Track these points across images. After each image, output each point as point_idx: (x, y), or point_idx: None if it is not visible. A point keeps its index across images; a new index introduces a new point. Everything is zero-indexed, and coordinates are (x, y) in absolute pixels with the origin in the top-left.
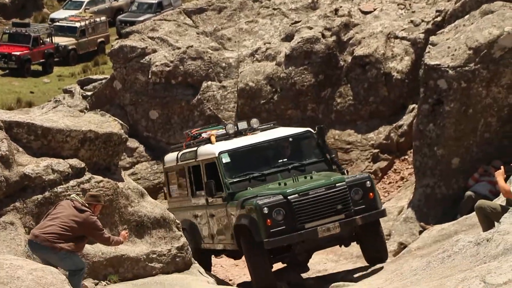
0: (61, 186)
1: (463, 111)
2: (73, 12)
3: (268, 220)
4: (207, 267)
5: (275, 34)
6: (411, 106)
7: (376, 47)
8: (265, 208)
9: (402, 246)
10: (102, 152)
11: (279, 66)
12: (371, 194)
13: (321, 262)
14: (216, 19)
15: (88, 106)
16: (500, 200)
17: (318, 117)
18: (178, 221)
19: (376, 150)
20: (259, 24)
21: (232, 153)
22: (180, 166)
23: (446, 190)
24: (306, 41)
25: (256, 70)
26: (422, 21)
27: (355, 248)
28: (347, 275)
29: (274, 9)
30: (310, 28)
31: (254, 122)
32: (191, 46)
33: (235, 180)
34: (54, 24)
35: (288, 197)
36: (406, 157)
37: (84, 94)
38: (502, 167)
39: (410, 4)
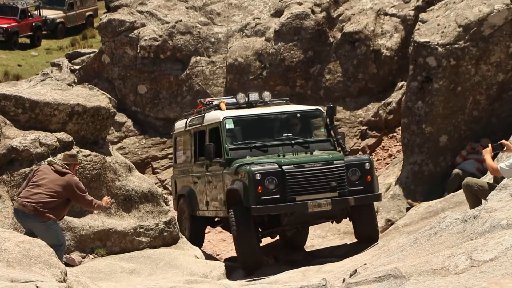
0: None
1: (451, 88)
2: None
3: (259, 187)
4: (199, 239)
5: (264, 10)
6: (400, 84)
7: (365, 24)
8: (258, 174)
9: (389, 222)
10: (90, 126)
11: (268, 42)
12: (368, 176)
13: (309, 238)
14: None
15: (76, 80)
16: (488, 178)
17: (306, 93)
18: (165, 196)
19: (365, 127)
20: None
21: (236, 120)
22: (187, 132)
23: (433, 167)
24: (296, 17)
25: (245, 45)
26: None
27: (342, 224)
28: (334, 251)
29: None
30: (300, 3)
31: (266, 95)
32: (180, 21)
33: (235, 146)
34: None
35: (283, 167)
36: (395, 134)
37: (72, 67)
38: (489, 145)
39: None
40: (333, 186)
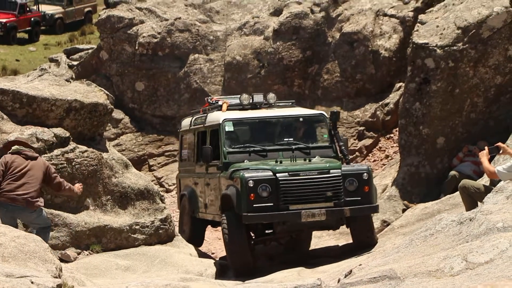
0: (45, 155)
1: (449, 90)
2: None
3: (252, 195)
4: (199, 238)
5: (263, 8)
6: (398, 85)
7: (364, 24)
8: (251, 181)
9: (385, 224)
10: (87, 122)
11: (267, 41)
12: (366, 187)
13: None
14: None
15: (74, 76)
16: (484, 181)
17: (304, 93)
18: (161, 193)
19: (362, 128)
20: None
21: (236, 122)
22: (192, 131)
23: (430, 169)
24: (295, 16)
25: (244, 44)
26: None
27: None
28: (329, 251)
29: None
30: (299, 3)
31: (271, 97)
32: (179, 18)
33: (233, 150)
34: None
35: (277, 175)
36: (392, 135)
37: (70, 63)
38: (486, 148)
39: None
40: (328, 196)
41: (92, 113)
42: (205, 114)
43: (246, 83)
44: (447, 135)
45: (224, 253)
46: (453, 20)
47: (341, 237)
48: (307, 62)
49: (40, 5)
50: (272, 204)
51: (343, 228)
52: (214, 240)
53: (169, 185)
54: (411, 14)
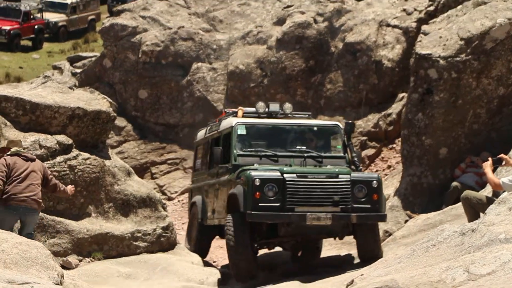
0: (48, 162)
1: (452, 101)
2: None
3: (258, 193)
4: (205, 248)
5: (267, 18)
6: (400, 95)
7: (367, 35)
8: (257, 179)
9: (387, 234)
10: (90, 129)
11: (270, 50)
12: (375, 195)
13: None
14: (208, 0)
15: (77, 83)
16: (486, 192)
17: (307, 102)
18: (163, 201)
19: (364, 138)
20: (251, 7)
21: (249, 126)
22: (206, 139)
23: (432, 179)
24: (298, 25)
25: (247, 53)
26: (415, 9)
27: None
28: (331, 261)
29: None
30: (303, 12)
31: (288, 107)
32: (182, 27)
33: (244, 153)
34: (45, 0)
35: (284, 175)
36: (394, 145)
37: (73, 71)
38: (490, 159)
39: None
40: (335, 200)
41: (95, 121)
42: (220, 122)
43: (249, 92)
44: (450, 145)
45: (226, 261)
46: (456, 31)
47: (343, 247)
48: (310, 72)
49: (44, 13)
50: (277, 204)
51: (346, 238)
52: (216, 249)
53: (171, 193)
54: (414, 24)
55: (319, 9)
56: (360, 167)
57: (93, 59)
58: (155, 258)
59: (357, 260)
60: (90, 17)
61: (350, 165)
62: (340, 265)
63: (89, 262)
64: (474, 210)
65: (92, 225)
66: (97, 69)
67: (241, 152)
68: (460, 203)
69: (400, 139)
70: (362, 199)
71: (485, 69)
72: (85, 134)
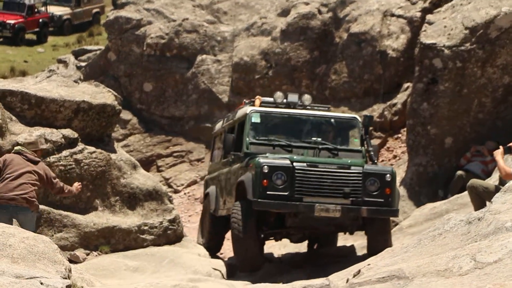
0: (54, 156)
1: (457, 90)
2: None
3: (265, 180)
4: (218, 242)
5: (271, 9)
6: (405, 85)
7: (372, 25)
8: (266, 167)
9: (394, 224)
10: (95, 123)
11: (275, 41)
12: (388, 189)
13: None
14: None
15: (82, 77)
16: (492, 180)
17: (312, 93)
18: (169, 194)
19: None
20: None
21: (264, 114)
22: (222, 129)
23: (438, 169)
24: (302, 16)
25: (251, 44)
26: None
27: None
28: (338, 251)
29: None
30: (307, 3)
31: (307, 98)
32: (187, 19)
33: (256, 141)
34: None
35: (294, 163)
36: (400, 135)
37: (78, 64)
38: (501, 147)
39: None
40: (346, 192)
41: (100, 114)
42: (236, 110)
43: (253, 83)
44: (455, 135)
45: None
46: (460, 20)
47: (349, 237)
48: (315, 63)
49: (48, 6)
50: (285, 193)
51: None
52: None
53: (177, 186)
54: (418, 14)
55: None
56: (376, 161)
57: (98, 52)
58: (162, 251)
59: (363, 251)
60: (94, 10)
61: (366, 159)
62: (347, 254)
63: (96, 255)
64: (480, 199)
65: (99, 218)
66: (102, 62)
67: (254, 140)
68: (466, 192)
69: (405, 129)
70: (374, 193)
71: (490, 58)
72: (90, 127)
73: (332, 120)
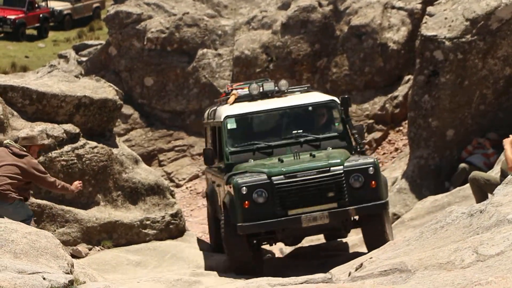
0: (56, 151)
1: (458, 82)
2: None
3: (246, 202)
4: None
5: (271, 2)
6: (406, 77)
7: (372, 17)
8: (244, 188)
9: (396, 216)
10: (97, 117)
11: (275, 35)
12: (373, 182)
13: None
14: None
15: (83, 72)
16: (494, 172)
17: (313, 86)
18: (171, 188)
19: (371, 121)
20: None
21: (239, 118)
22: (208, 124)
23: (440, 161)
24: (303, 9)
25: (252, 38)
26: None
27: None
28: (339, 245)
29: None
30: None
31: (283, 84)
32: (187, 13)
33: (235, 149)
34: None
35: (272, 178)
36: (401, 128)
37: (79, 59)
38: (511, 136)
39: None
40: (330, 196)
41: (101, 109)
42: (216, 108)
43: (254, 77)
44: (457, 127)
45: None
46: (461, 12)
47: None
48: (316, 56)
49: (48, 1)
50: (269, 210)
51: None
52: None
53: (179, 180)
54: (419, 6)
55: None
56: (362, 144)
57: (99, 47)
58: (164, 245)
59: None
60: (94, 5)
61: (350, 143)
62: (349, 248)
63: (98, 250)
64: (482, 191)
65: (101, 213)
66: (103, 57)
67: (233, 149)
68: (468, 185)
69: (407, 121)
70: (360, 189)
71: (491, 50)
72: (92, 122)
73: (310, 107)
